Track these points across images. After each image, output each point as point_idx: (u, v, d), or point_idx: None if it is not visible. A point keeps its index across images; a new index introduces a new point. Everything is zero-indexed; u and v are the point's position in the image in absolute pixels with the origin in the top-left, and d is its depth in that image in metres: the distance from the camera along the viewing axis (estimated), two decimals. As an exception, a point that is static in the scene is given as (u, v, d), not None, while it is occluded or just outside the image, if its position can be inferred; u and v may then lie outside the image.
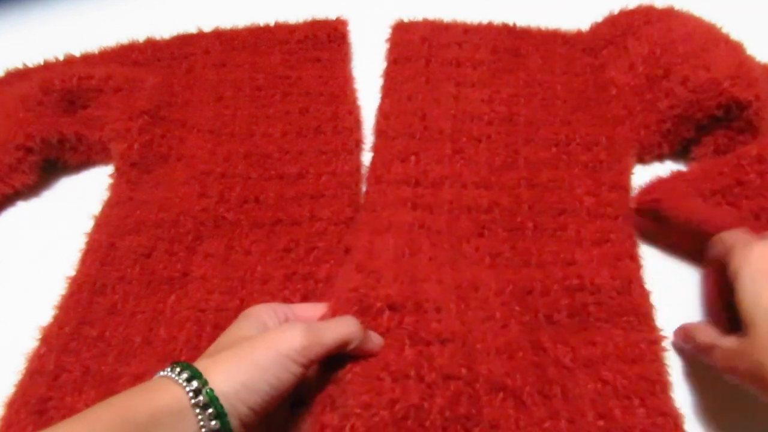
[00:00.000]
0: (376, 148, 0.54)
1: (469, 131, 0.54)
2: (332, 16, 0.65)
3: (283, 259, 0.48)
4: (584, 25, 0.62)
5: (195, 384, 0.33)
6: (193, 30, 0.65)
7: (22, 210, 0.55)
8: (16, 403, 0.42)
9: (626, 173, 0.52)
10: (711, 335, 0.40)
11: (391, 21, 0.63)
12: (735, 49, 0.54)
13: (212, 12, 0.68)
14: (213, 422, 0.33)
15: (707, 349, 0.39)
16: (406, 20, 0.63)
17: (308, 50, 0.62)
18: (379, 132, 0.55)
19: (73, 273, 0.48)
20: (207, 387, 0.33)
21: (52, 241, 0.52)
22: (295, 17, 0.65)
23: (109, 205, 0.52)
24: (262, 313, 0.38)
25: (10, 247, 0.52)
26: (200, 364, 0.34)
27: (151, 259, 0.48)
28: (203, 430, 0.32)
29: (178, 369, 0.34)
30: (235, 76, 0.60)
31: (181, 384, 0.33)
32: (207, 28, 0.65)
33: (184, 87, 0.60)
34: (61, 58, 0.63)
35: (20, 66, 0.62)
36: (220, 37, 0.64)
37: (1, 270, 0.51)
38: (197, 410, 0.32)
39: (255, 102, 0.58)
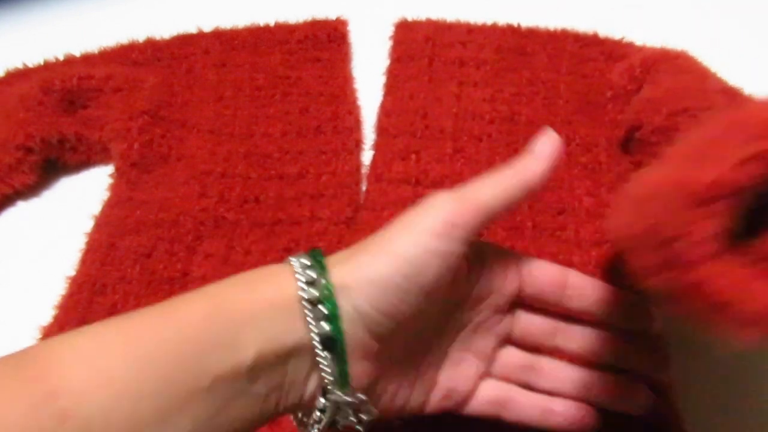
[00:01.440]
0: (377, 146, 0.54)
1: (470, 130, 0.54)
2: (332, 16, 0.65)
3: (283, 259, 0.48)
4: (585, 26, 0.62)
5: (311, 273, 0.26)
6: (193, 30, 0.65)
7: (22, 210, 0.55)
8: (16, 403, 0.42)
9: (625, 175, 0.52)
10: None
11: (392, 21, 0.63)
12: (692, 77, 0.54)
13: (212, 12, 0.68)
14: (324, 324, 0.26)
15: None
16: (409, 19, 0.63)
17: (308, 50, 0.62)
18: (381, 130, 0.55)
19: (73, 273, 0.48)
20: (324, 278, 0.26)
21: (52, 241, 0.52)
22: (295, 17, 0.65)
23: (109, 205, 0.52)
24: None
25: (10, 247, 0.52)
26: (331, 257, 0.28)
27: (151, 259, 0.48)
28: (313, 332, 0.26)
29: (303, 256, 0.28)
30: (235, 76, 0.60)
31: (294, 272, 0.27)
32: (207, 28, 0.65)
33: (184, 87, 0.60)
34: (61, 58, 0.62)
35: (20, 66, 0.62)
36: (220, 37, 0.64)
37: (1, 270, 0.51)
38: (307, 306, 0.26)
39: (255, 102, 0.58)
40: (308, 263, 0.27)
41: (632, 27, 0.61)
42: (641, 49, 0.59)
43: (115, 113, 0.56)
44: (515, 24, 0.62)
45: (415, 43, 0.60)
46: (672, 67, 0.54)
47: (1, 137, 0.54)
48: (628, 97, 0.54)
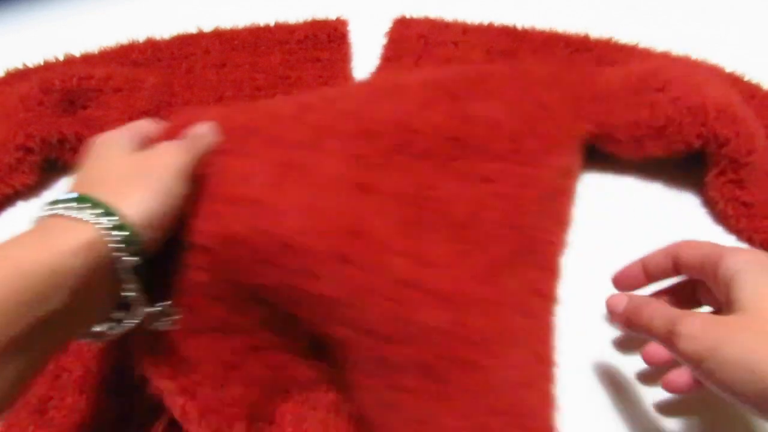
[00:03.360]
0: None
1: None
2: (332, 16, 0.65)
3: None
4: (589, 27, 0.62)
5: (107, 220, 0.31)
6: (193, 30, 0.65)
7: (22, 210, 0.54)
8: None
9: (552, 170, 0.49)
10: (671, 309, 0.33)
11: (392, 21, 0.63)
12: (726, 87, 0.53)
13: (212, 12, 0.68)
14: (129, 258, 0.32)
15: (672, 319, 0.32)
16: (408, 17, 0.63)
17: (308, 50, 0.62)
18: None
19: (73, 273, 0.48)
20: (122, 221, 0.32)
21: (52, 241, 0.52)
22: (295, 17, 0.65)
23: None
24: (122, 136, 0.38)
25: (10, 247, 0.52)
26: (103, 197, 0.32)
27: (151, 259, 0.48)
28: (119, 266, 0.32)
29: (82, 204, 0.32)
30: (235, 76, 0.60)
31: (90, 222, 0.31)
32: (207, 28, 0.65)
33: (184, 87, 0.60)
34: (61, 58, 0.63)
35: (20, 66, 0.62)
36: (220, 37, 0.64)
37: (1, 270, 0.51)
38: (114, 247, 0.31)
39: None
40: (98, 211, 0.32)
41: (632, 28, 0.61)
42: (632, 52, 0.59)
43: (115, 113, 0.56)
44: (513, 25, 0.62)
45: (408, 41, 0.60)
46: (693, 72, 0.53)
47: (1, 137, 0.54)
48: (614, 97, 0.52)
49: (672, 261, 0.38)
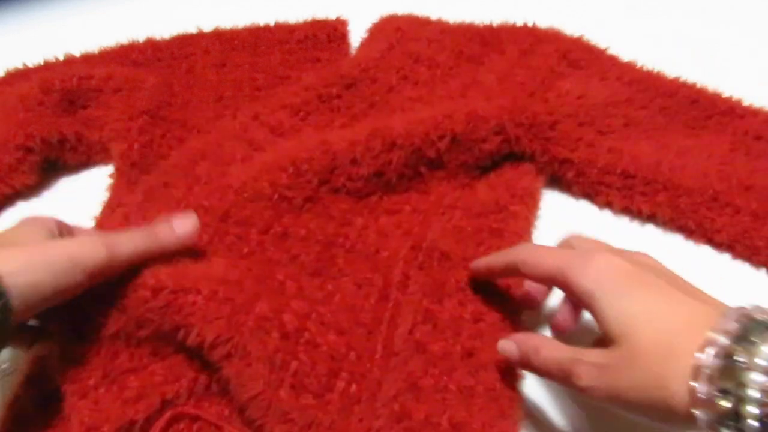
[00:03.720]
0: None
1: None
2: (332, 16, 0.65)
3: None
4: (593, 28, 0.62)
5: None
6: (193, 30, 0.65)
7: (22, 210, 0.54)
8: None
9: None
10: (566, 350, 0.33)
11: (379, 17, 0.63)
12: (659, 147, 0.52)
13: (212, 12, 0.68)
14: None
15: (566, 368, 0.32)
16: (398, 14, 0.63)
17: (308, 50, 0.62)
18: None
19: (73, 273, 0.48)
20: None
21: (52, 241, 0.52)
22: (295, 17, 0.65)
23: (110, 206, 0.52)
24: (46, 221, 0.39)
25: (10, 247, 0.52)
26: None
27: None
28: None
29: None
30: (235, 76, 0.60)
31: None
32: (207, 28, 0.65)
33: (184, 87, 0.60)
34: (61, 58, 0.63)
35: (20, 66, 0.62)
36: (220, 37, 0.64)
37: (1, 270, 0.51)
38: None
39: (255, 102, 0.58)
40: None
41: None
42: (600, 56, 0.59)
43: (115, 113, 0.56)
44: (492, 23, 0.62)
45: (383, 35, 0.61)
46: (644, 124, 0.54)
47: (1, 137, 0.54)
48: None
49: (514, 268, 0.37)
